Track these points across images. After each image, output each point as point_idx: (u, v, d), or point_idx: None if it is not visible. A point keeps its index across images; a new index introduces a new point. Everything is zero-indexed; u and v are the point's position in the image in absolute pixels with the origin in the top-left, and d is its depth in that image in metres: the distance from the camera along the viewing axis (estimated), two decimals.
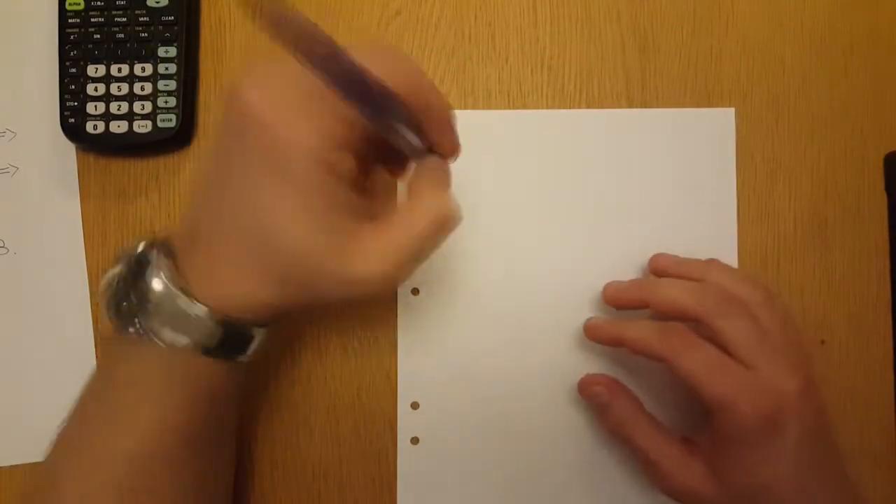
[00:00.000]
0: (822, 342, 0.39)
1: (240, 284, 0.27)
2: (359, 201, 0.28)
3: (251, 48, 0.41)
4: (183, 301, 0.27)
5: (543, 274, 0.39)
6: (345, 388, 0.39)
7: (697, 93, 0.40)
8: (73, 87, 0.38)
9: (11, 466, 0.39)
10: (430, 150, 0.29)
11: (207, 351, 0.28)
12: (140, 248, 0.28)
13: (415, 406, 0.39)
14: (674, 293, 0.34)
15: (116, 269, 0.28)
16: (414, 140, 0.27)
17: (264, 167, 0.25)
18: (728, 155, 0.40)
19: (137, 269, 0.28)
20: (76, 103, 0.38)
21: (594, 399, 0.36)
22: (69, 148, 0.40)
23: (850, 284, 0.39)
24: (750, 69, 0.40)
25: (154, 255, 0.28)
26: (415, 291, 0.39)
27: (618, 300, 0.36)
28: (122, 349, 0.29)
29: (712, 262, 0.36)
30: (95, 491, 0.28)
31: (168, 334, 0.27)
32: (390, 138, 0.26)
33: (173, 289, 0.27)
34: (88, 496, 0.28)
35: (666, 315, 0.34)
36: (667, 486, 0.33)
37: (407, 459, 0.38)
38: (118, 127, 0.38)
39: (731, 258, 0.39)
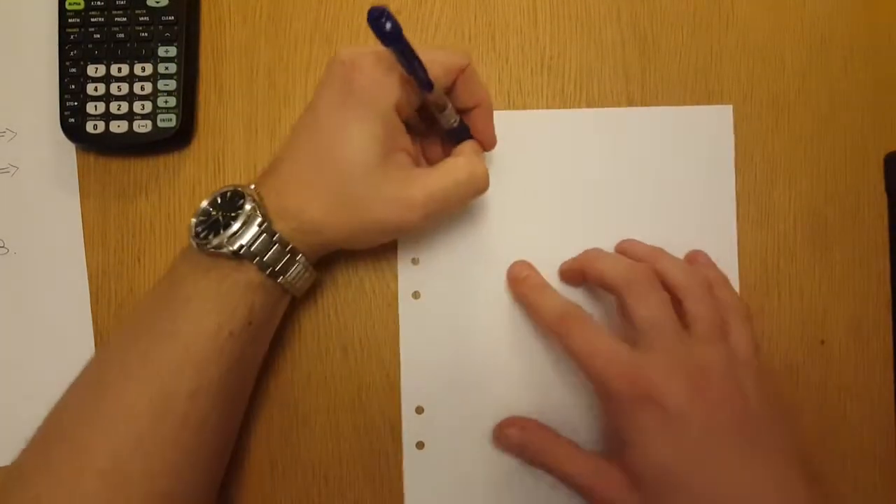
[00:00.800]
0: (822, 342, 0.39)
1: (299, 197, 0.32)
2: (413, 150, 0.35)
3: (251, 48, 0.41)
4: (259, 218, 0.32)
5: (544, 274, 0.39)
6: (345, 388, 0.39)
7: (697, 93, 0.40)
8: (73, 87, 0.38)
9: None
10: (468, 134, 0.35)
11: (260, 263, 0.32)
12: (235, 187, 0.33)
13: (419, 410, 0.39)
14: (602, 266, 0.35)
15: (211, 199, 0.33)
16: (451, 116, 0.34)
17: (351, 100, 0.31)
18: (727, 152, 0.40)
19: (234, 193, 0.32)
20: (76, 103, 0.38)
21: (507, 442, 0.37)
22: (69, 148, 0.40)
23: (850, 284, 0.39)
24: (750, 69, 0.40)
25: (249, 187, 0.33)
26: (416, 295, 0.39)
27: (563, 273, 0.39)
28: (183, 271, 0.33)
29: (662, 252, 0.37)
30: (159, 395, 0.31)
31: (235, 244, 0.31)
32: (437, 113, 0.33)
33: (257, 209, 0.32)
34: (157, 400, 0.30)
35: (598, 286, 0.37)
36: (597, 501, 0.34)
37: (413, 464, 0.38)
38: (118, 127, 0.38)
39: (731, 258, 0.39)
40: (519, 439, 0.37)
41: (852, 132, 0.40)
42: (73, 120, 0.38)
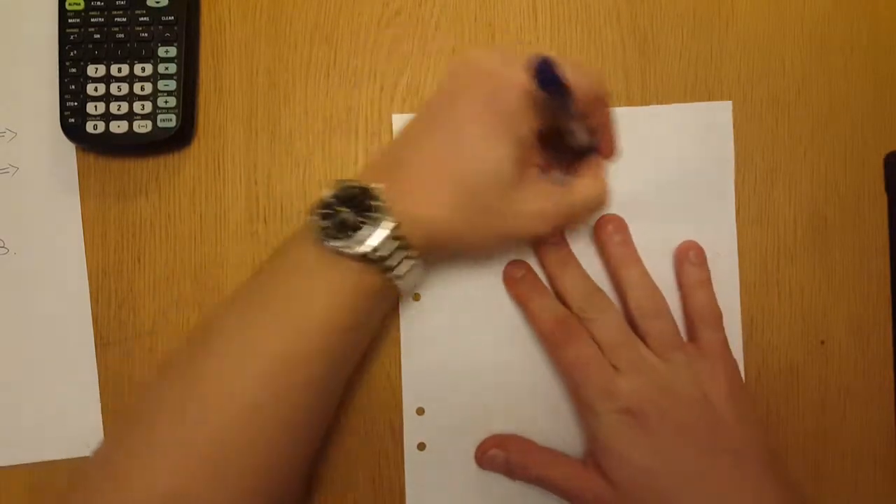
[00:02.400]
0: (822, 342, 0.39)
1: (430, 206, 0.32)
2: (544, 165, 0.35)
3: (251, 48, 0.41)
4: (391, 224, 0.31)
5: (545, 276, 0.39)
6: (345, 388, 0.39)
7: (697, 92, 0.40)
8: (73, 87, 0.38)
9: (11, 466, 0.39)
10: (594, 149, 0.36)
11: (384, 267, 0.31)
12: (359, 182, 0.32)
13: (420, 412, 0.39)
14: (567, 284, 0.37)
15: (336, 193, 0.32)
16: (582, 136, 0.34)
17: (497, 119, 0.31)
18: (726, 148, 0.40)
19: (362, 191, 0.32)
20: (76, 103, 0.38)
21: (491, 462, 0.38)
22: (69, 148, 0.40)
23: (850, 284, 0.39)
24: (750, 69, 0.40)
25: (379, 186, 0.32)
26: (416, 297, 0.39)
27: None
28: (304, 261, 0.32)
29: (630, 259, 0.38)
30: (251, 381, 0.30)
31: (367, 248, 0.31)
32: (565, 127, 0.34)
33: (388, 212, 0.31)
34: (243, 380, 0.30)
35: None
36: (579, 503, 0.36)
37: (414, 465, 0.38)
38: (118, 127, 0.38)
39: (731, 258, 0.39)
40: (502, 457, 0.37)
41: (852, 132, 0.40)
42: (73, 120, 0.38)
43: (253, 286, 0.33)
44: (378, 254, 0.31)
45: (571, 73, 0.29)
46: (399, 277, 0.32)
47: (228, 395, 0.30)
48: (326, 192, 0.32)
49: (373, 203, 0.31)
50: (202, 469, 0.29)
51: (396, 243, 0.31)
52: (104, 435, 0.32)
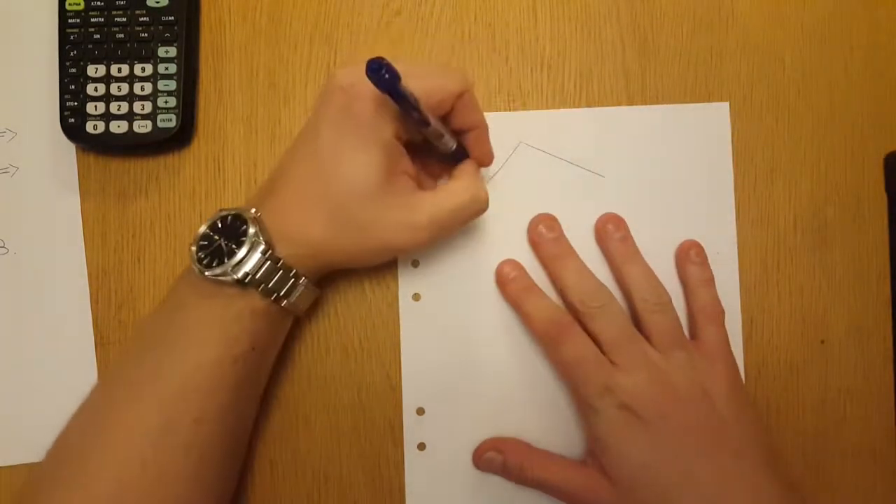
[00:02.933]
0: (822, 342, 0.39)
1: (300, 222, 0.32)
2: (414, 171, 0.35)
3: (251, 48, 0.41)
4: (263, 245, 0.31)
5: (545, 276, 0.39)
6: (345, 388, 0.39)
7: (697, 92, 0.40)
8: (73, 87, 0.38)
9: (11, 466, 0.39)
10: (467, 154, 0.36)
11: (264, 290, 0.32)
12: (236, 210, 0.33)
13: (420, 412, 0.39)
14: (567, 279, 0.37)
15: (211, 223, 0.33)
16: (446, 142, 0.34)
17: (352, 128, 0.31)
18: (724, 149, 0.40)
19: (235, 218, 0.32)
20: (76, 103, 0.38)
21: (489, 465, 0.38)
22: (69, 148, 0.40)
23: (850, 284, 0.39)
24: (750, 69, 0.40)
25: (251, 211, 0.33)
26: (416, 297, 0.39)
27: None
28: (186, 296, 0.33)
29: (632, 255, 0.38)
30: (159, 421, 0.31)
31: (239, 272, 0.31)
32: (435, 142, 0.33)
33: (260, 235, 0.32)
34: (163, 424, 0.31)
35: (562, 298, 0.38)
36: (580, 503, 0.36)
37: (414, 466, 0.38)
38: (118, 127, 0.38)
39: (730, 258, 0.39)
40: (499, 460, 0.37)
41: (852, 132, 0.40)
42: (73, 120, 0.38)
43: (145, 326, 0.34)
44: (254, 277, 0.31)
45: (421, 79, 0.30)
46: (284, 299, 0.33)
47: (127, 446, 0.31)
48: (204, 225, 0.33)
49: (244, 228, 0.32)
50: None
51: (271, 264, 0.31)
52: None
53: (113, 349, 0.39)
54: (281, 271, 0.32)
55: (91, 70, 0.38)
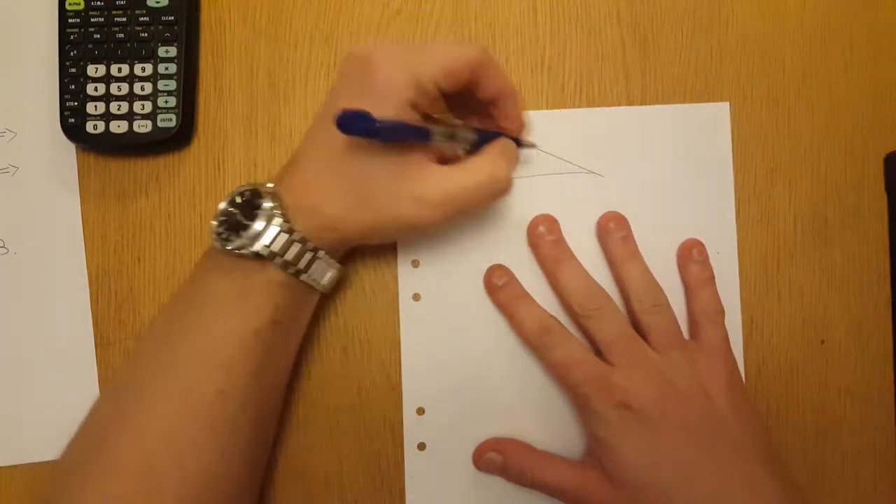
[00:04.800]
0: (822, 342, 0.39)
1: (316, 195, 0.32)
2: (436, 148, 0.34)
3: (251, 48, 0.41)
4: (279, 217, 0.32)
5: (543, 273, 0.39)
6: (345, 389, 0.39)
7: (697, 92, 0.40)
8: (73, 87, 0.38)
9: (11, 466, 0.39)
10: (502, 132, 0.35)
11: (282, 263, 0.32)
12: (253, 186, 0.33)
13: (420, 412, 0.39)
14: (566, 281, 0.37)
15: (230, 199, 0.33)
16: (465, 145, 0.34)
17: (368, 97, 0.31)
18: (725, 149, 0.40)
19: (253, 192, 0.33)
20: (76, 103, 0.38)
21: (489, 465, 0.38)
22: (69, 148, 0.40)
23: (850, 284, 0.39)
24: (750, 69, 0.40)
25: (267, 186, 0.33)
26: (416, 297, 0.39)
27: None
28: (207, 272, 0.33)
29: (631, 255, 0.38)
30: (186, 399, 0.31)
31: (257, 245, 0.31)
32: (450, 144, 0.33)
33: (277, 209, 0.32)
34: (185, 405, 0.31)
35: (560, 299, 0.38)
36: None
37: (414, 465, 0.38)
38: (118, 127, 0.38)
39: (731, 258, 0.39)
40: (499, 461, 0.37)
41: (852, 132, 0.40)
42: (73, 120, 0.38)
43: (169, 307, 0.34)
44: (272, 249, 0.31)
45: (435, 53, 0.31)
46: (303, 272, 0.33)
47: (153, 421, 0.31)
48: (223, 202, 0.33)
49: (261, 201, 0.32)
50: (135, 493, 0.30)
51: (288, 237, 0.32)
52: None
53: (113, 349, 0.39)
54: (299, 244, 0.32)
55: (91, 70, 0.38)
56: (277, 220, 0.32)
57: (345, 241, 0.34)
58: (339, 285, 0.39)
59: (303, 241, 0.32)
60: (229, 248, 0.32)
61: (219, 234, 0.32)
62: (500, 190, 0.34)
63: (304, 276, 0.33)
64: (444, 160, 0.34)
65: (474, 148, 0.35)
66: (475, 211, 0.35)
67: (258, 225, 0.31)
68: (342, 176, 0.32)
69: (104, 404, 0.34)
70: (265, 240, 0.31)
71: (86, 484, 0.30)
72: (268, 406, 0.35)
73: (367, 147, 0.31)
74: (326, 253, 0.33)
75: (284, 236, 0.32)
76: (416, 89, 0.31)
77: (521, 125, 0.36)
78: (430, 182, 0.32)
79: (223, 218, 0.33)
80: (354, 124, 0.28)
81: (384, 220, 0.33)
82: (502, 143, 0.35)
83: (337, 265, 0.35)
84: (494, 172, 0.33)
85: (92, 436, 0.32)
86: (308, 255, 0.33)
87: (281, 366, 0.35)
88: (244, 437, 0.33)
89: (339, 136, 0.31)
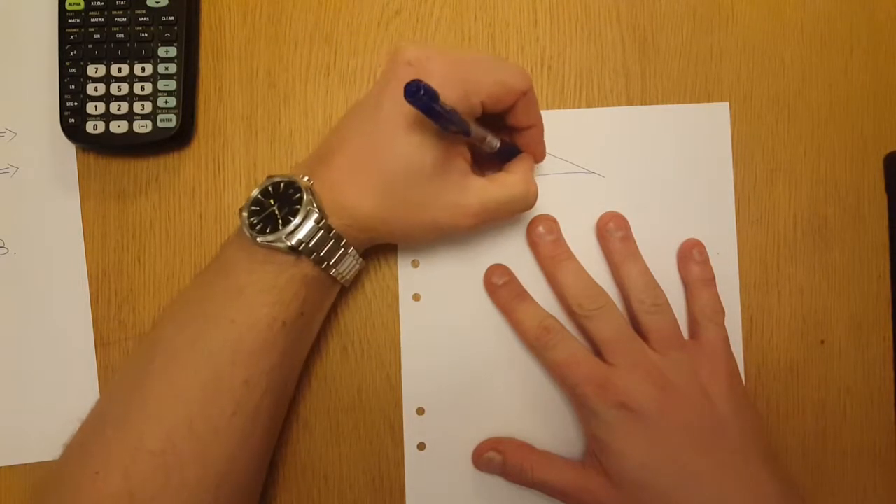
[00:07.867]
0: (822, 342, 0.39)
1: (354, 194, 0.32)
2: (469, 156, 0.35)
3: (251, 48, 0.41)
4: (317, 213, 0.32)
5: (543, 273, 0.39)
6: (345, 388, 0.39)
7: (697, 93, 0.40)
8: (73, 87, 0.38)
9: (11, 466, 0.39)
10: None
11: (316, 258, 0.32)
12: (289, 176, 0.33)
13: (420, 412, 0.39)
14: (565, 281, 0.37)
15: (263, 189, 0.33)
16: (494, 145, 0.34)
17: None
18: (724, 149, 0.40)
19: (288, 185, 0.32)
20: (76, 103, 0.38)
21: (488, 465, 0.38)
22: (69, 148, 0.40)
23: (850, 284, 0.39)
24: (750, 69, 0.40)
25: (304, 179, 0.33)
26: (416, 297, 0.39)
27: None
28: (238, 261, 0.33)
29: (631, 255, 0.38)
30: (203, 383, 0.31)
31: (293, 239, 0.31)
32: (478, 143, 0.34)
33: (313, 203, 0.32)
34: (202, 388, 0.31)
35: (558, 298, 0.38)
36: None
37: (414, 465, 0.38)
38: (118, 127, 0.38)
39: (730, 258, 0.39)
40: (499, 460, 0.37)
41: (852, 132, 0.40)
42: (73, 120, 0.38)
43: (191, 293, 0.34)
44: (307, 245, 0.31)
45: (489, 73, 0.31)
46: (333, 268, 0.33)
47: (174, 403, 0.31)
48: (255, 190, 0.33)
49: (299, 196, 0.32)
50: (154, 474, 0.30)
51: (324, 233, 0.32)
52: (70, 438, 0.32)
53: (113, 349, 0.39)
54: (333, 240, 0.32)
55: (91, 70, 0.38)
56: (315, 216, 0.31)
57: (374, 239, 0.35)
58: None
59: (338, 237, 0.32)
60: (264, 240, 0.31)
61: (252, 224, 0.32)
62: (529, 205, 0.35)
63: (333, 271, 0.33)
64: (471, 166, 0.35)
65: (494, 157, 0.36)
66: (505, 221, 0.38)
67: (296, 220, 0.31)
68: (381, 177, 0.32)
69: (119, 387, 0.33)
70: (301, 234, 0.31)
71: (108, 459, 0.30)
72: (285, 394, 0.35)
73: (409, 151, 0.31)
74: (356, 249, 0.34)
75: (321, 232, 0.32)
76: (464, 105, 0.31)
77: (543, 156, 0.38)
78: (470, 192, 0.33)
79: (255, 208, 0.32)
80: (421, 97, 0.27)
81: (420, 224, 0.33)
82: (530, 161, 0.36)
83: (360, 260, 0.35)
84: (528, 188, 0.35)
85: (111, 414, 0.32)
86: (340, 252, 0.33)
87: (300, 355, 0.36)
88: (262, 426, 0.33)
89: (378, 132, 0.32)
